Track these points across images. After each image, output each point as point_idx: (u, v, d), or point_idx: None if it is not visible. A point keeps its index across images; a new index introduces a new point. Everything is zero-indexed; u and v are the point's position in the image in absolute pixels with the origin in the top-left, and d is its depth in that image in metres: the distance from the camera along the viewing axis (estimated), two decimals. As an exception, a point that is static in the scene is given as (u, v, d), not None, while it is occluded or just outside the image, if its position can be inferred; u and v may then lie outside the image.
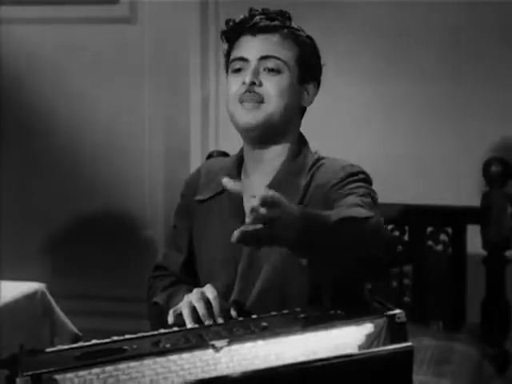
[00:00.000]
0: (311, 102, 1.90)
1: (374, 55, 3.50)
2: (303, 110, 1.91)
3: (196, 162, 3.62)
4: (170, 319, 1.65)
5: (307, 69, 1.86)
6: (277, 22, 1.84)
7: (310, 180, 1.82)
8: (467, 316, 3.09)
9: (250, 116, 1.80)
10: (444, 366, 2.72)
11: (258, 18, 1.84)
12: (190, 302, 1.64)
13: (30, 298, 2.77)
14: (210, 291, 1.67)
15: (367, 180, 1.81)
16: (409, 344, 1.38)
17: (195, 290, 1.68)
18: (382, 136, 3.51)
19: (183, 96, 3.74)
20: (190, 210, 1.95)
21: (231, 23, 1.87)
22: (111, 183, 3.91)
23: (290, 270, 1.75)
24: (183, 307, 1.64)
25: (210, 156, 3.21)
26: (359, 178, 1.79)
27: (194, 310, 1.63)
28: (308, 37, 1.88)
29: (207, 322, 1.60)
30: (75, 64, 3.87)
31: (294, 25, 1.87)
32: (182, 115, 3.76)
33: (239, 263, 1.80)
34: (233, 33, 1.87)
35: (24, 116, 3.96)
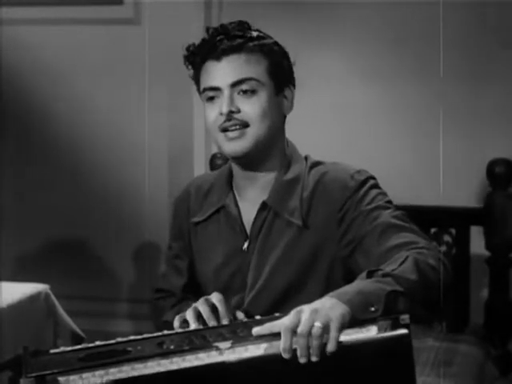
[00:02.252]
0: (292, 107, 1.82)
1: (376, 55, 3.50)
2: (285, 117, 1.83)
3: (200, 164, 3.62)
4: (176, 324, 1.65)
5: (281, 76, 1.78)
6: (239, 40, 1.74)
7: (314, 190, 1.78)
8: (471, 317, 3.09)
9: (236, 145, 1.73)
10: (447, 367, 2.72)
11: (218, 39, 1.74)
12: (195, 307, 1.65)
13: (33, 299, 2.78)
14: (215, 296, 1.68)
15: (377, 184, 1.78)
16: (404, 331, 1.37)
17: (201, 298, 1.68)
18: (384, 137, 3.52)
19: (186, 97, 3.74)
20: (183, 231, 1.93)
21: (192, 48, 1.78)
22: (113, 185, 3.92)
23: (300, 279, 1.76)
24: (188, 311, 1.65)
25: (213, 157, 3.21)
26: (371, 184, 1.76)
27: (199, 314, 1.64)
28: (274, 43, 1.79)
29: (212, 324, 1.60)
30: (78, 65, 3.88)
31: (254, 34, 1.77)
32: (186, 117, 3.76)
33: (247, 276, 1.80)
34: (195, 57, 1.77)
35: (25, 117, 3.96)
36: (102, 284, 3.90)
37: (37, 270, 3.77)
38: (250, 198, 1.82)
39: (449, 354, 2.81)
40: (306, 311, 1.37)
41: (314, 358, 1.34)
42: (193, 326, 1.61)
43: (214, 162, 3.19)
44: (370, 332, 1.38)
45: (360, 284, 1.49)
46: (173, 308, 1.88)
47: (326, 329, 1.35)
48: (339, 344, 1.35)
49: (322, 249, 1.75)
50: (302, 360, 1.34)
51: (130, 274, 3.88)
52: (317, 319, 1.36)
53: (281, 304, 1.75)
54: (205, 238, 1.88)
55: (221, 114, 1.73)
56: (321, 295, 1.45)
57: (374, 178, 1.79)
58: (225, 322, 1.61)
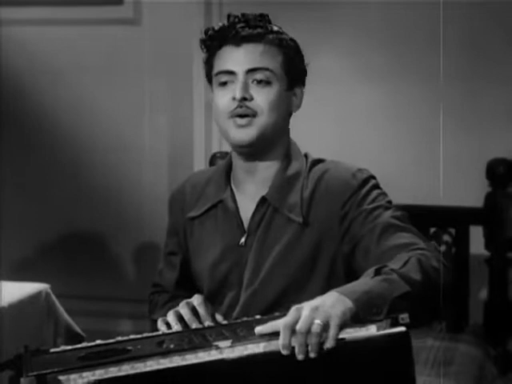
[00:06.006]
0: (299, 106, 1.84)
1: (377, 55, 3.50)
2: (291, 114, 1.85)
3: (199, 164, 3.62)
4: (161, 328, 1.66)
5: (294, 73, 1.81)
6: (260, 30, 1.77)
7: (315, 187, 1.78)
8: (470, 317, 3.09)
9: (244, 133, 1.74)
10: (447, 366, 2.72)
11: (239, 26, 1.77)
12: (176, 310, 1.67)
13: (34, 298, 2.78)
14: (195, 298, 1.69)
15: (378, 184, 1.80)
16: (402, 329, 1.37)
17: (182, 302, 1.70)
18: (384, 137, 3.52)
19: (186, 97, 3.74)
20: (178, 227, 1.93)
21: (210, 32, 1.81)
22: (113, 185, 3.92)
23: (301, 277, 1.76)
24: (168, 314, 1.67)
25: (213, 157, 3.20)
26: (373, 184, 1.77)
27: (180, 317, 1.65)
28: (291, 39, 1.82)
29: (194, 326, 1.61)
30: (78, 65, 3.88)
31: (274, 27, 1.80)
32: (186, 117, 3.76)
33: (244, 272, 1.80)
34: (213, 41, 1.80)
35: (24, 118, 3.96)
36: (102, 283, 3.90)
37: (37, 269, 3.77)
38: (249, 192, 1.82)
39: (448, 354, 2.81)
40: (305, 308, 1.37)
41: (311, 355, 1.34)
42: (175, 327, 1.62)
43: (214, 161, 3.18)
44: (370, 331, 1.38)
45: (368, 283, 1.49)
46: (164, 306, 1.89)
47: (325, 326, 1.35)
48: (339, 341, 1.35)
49: (322, 246, 1.75)
50: (300, 357, 1.34)
51: (130, 274, 3.88)
52: (316, 316, 1.35)
53: (280, 302, 1.75)
54: (201, 234, 1.88)
55: (233, 98, 1.74)
56: (322, 293, 1.45)
57: (374, 177, 1.80)
58: (206, 324, 1.62)
